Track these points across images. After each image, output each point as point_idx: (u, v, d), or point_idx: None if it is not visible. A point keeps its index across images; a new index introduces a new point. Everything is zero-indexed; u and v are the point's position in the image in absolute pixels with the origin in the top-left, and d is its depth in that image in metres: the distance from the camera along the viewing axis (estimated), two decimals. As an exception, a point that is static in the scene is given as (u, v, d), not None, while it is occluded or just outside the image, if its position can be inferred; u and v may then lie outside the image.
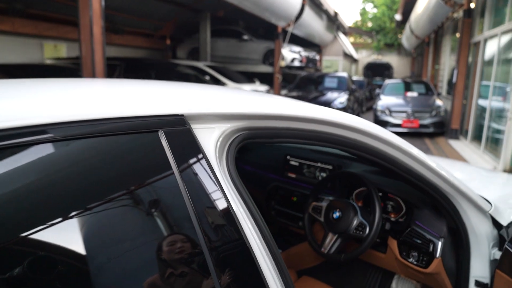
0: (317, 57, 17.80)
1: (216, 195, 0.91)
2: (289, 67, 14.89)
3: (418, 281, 2.17)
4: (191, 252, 0.84)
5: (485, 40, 8.37)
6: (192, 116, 0.97)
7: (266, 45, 13.72)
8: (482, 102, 8.50)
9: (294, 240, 2.45)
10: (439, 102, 10.37)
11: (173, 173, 0.86)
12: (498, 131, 7.48)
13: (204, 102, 1.10)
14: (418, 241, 1.73)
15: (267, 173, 2.62)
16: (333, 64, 22.69)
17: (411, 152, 1.44)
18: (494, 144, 7.55)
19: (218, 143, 0.99)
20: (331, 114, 1.30)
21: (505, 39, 7.27)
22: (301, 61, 15.12)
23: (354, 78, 18.05)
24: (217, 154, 0.96)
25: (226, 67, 11.99)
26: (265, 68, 14.09)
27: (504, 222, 1.68)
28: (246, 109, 1.12)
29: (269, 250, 0.94)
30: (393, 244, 1.85)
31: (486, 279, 1.67)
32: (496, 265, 1.52)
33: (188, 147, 0.93)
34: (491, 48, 8.08)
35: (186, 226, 0.86)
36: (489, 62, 8.13)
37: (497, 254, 1.67)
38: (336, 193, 2.17)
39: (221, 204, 0.90)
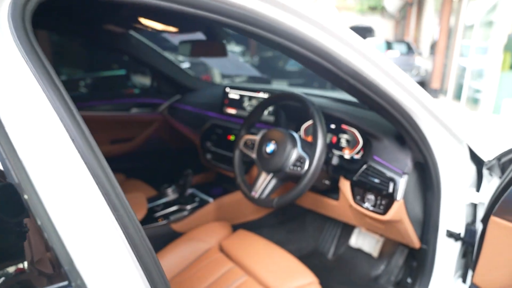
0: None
1: None
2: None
3: (381, 234, 1.77)
4: None
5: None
6: None
7: None
8: (462, 61, 8.17)
9: (233, 189, 2.02)
10: (419, 62, 10.01)
11: None
12: (478, 91, 7.20)
13: None
14: (376, 180, 1.31)
15: (205, 111, 2.15)
16: (314, 28, 21.90)
17: (378, 63, 0.99)
18: (473, 103, 7.27)
19: None
20: None
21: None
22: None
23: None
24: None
25: None
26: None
27: (486, 157, 1.27)
28: None
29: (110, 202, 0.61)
30: (345, 186, 1.42)
31: (459, 228, 1.28)
32: (487, 210, 1.11)
33: None
34: (473, 7, 7.71)
35: None
36: (471, 22, 7.78)
37: (476, 196, 1.27)
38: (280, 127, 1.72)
39: None
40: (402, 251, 1.79)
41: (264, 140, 1.39)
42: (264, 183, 1.37)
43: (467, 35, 8.13)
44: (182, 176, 1.78)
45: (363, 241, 1.92)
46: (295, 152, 1.29)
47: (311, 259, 1.98)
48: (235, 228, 1.74)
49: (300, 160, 1.27)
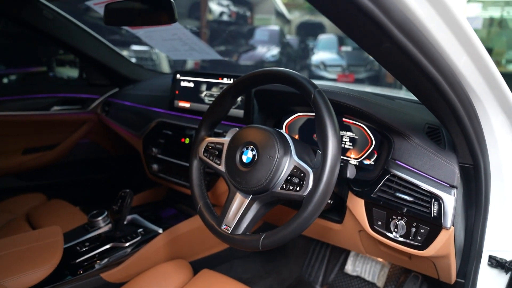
0: (248, 14, 16.85)
1: None
2: (218, 22, 13.75)
3: (395, 263, 1.36)
4: None
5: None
6: None
7: (191, -4, 12.37)
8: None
9: (191, 210, 1.52)
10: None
11: None
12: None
13: None
14: (407, 198, 0.88)
15: (150, 107, 1.63)
16: (265, 23, 21.81)
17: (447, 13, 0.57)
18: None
19: None
20: None
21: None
22: (230, 16, 14.06)
23: (288, 37, 17.43)
24: None
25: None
26: (191, 23, 12.80)
27: None
28: None
29: None
30: (356, 206, 0.97)
31: (507, 253, 0.93)
32: None
33: None
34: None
35: None
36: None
37: None
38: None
39: None
40: (415, 278, 1.38)
41: (238, 144, 0.91)
42: (241, 211, 0.89)
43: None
44: (117, 198, 1.25)
45: (363, 267, 1.50)
46: (289, 162, 0.82)
47: (296, 293, 1.54)
48: (195, 266, 1.24)
49: (298, 174, 0.80)
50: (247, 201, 0.88)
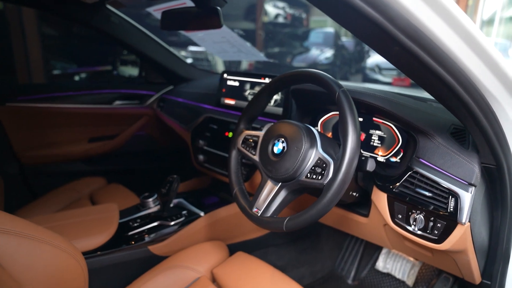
0: (304, 16, 16.80)
1: None
2: (273, 24, 13.87)
3: (420, 259, 1.39)
4: None
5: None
6: None
7: (247, -1, 12.62)
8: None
9: (232, 199, 1.65)
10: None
11: None
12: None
13: None
14: (427, 194, 0.93)
15: (200, 103, 1.78)
16: (321, 25, 21.62)
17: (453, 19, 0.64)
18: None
19: None
20: None
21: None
22: (285, 18, 14.12)
23: (343, 39, 17.14)
24: None
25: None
26: (246, 25, 13.04)
27: None
28: None
29: None
30: (380, 200, 1.04)
31: None
32: None
33: None
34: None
35: None
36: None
37: None
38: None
39: None
40: (446, 279, 1.40)
41: (270, 137, 1.02)
42: (270, 196, 0.99)
43: (484, 31, 7.73)
44: (165, 182, 1.40)
45: (394, 264, 1.54)
46: (314, 154, 0.91)
47: (327, 285, 1.60)
48: (232, 249, 1.36)
49: (321, 165, 0.89)
50: (276, 188, 0.98)
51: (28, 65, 4.11)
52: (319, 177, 0.88)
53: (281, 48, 10.63)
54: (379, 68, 9.16)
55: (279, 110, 1.40)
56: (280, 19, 13.79)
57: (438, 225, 0.92)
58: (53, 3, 1.61)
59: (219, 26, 1.20)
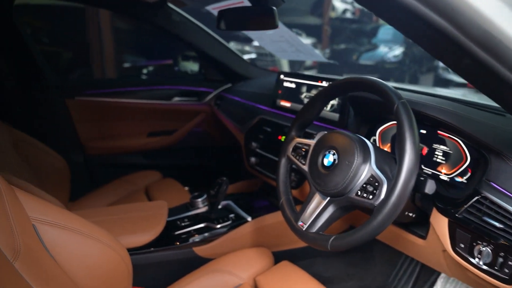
0: (374, 11, 16.15)
1: None
2: (340, 19, 13.50)
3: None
4: None
5: None
6: None
7: (315, -7, 12.39)
8: None
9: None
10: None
11: None
12: None
13: None
14: (496, 225, 0.82)
15: (256, 103, 1.76)
16: (393, 21, 20.67)
17: None
18: None
19: None
20: None
21: None
22: (353, 13, 13.68)
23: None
24: None
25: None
26: (313, 20, 12.83)
27: None
28: None
29: None
30: (440, 224, 0.94)
31: None
32: None
33: None
34: None
35: None
36: None
37: None
38: (349, 131, 1.27)
39: None
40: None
41: (321, 148, 0.95)
42: (317, 211, 0.93)
43: None
44: (215, 184, 1.40)
45: (454, 291, 1.41)
46: (367, 170, 0.84)
47: (377, 303, 1.51)
48: (277, 257, 1.32)
49: (373, 183, 0.82)
50: (324, 202, 0.92)
51: (102, 59, 4.37)
52: (370, 197, 0.81)
53: (347, 45, 10.33)
54: (454, 68, 8.54)
55: (335, 116, 1.33)
56: (348, 14, 13.38)
57: (510, 262, 0.80)
58: (118, 3, 1.67)
59: (274, 26, 1.15)
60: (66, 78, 4.05)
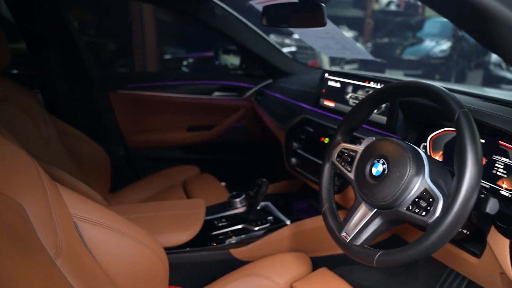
0: (420, 3, 15.53)
1: None
2: (384, 12, 13.09)
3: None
4: None
5: None
6: None
7: (359, -15, 12.06)
8: None
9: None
10: None
11: None
12: None
13: None
14: None
15: (298, 101, 1.70)
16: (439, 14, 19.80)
17: None
18: None
19: None
20: None
21: None
22: (398, 5, 13.24)
23: (464, 29, 15.52)
24: None
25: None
26: (355, 12, 12.52)
27: None
28: None
29: None
30: (499, 244, 0.86)
31: None
32: None
33: None
34: None
35: None
36: None
37: None
38: (395, 135, 1.20)
39: None
40: None
41: (370, 155, 0.90)
42: (363, 222, 0.88)
43: None
44: (253, 185, 1.37)
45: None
46: (420, 183, 0.77)
47: (419, 316, 1.44)
48: (315, 262, 1.28)
49: (427, 198, 0.75)
50: (370, 214, 0.87)
51: (144, 51, 4.45)
52: (423, 213, 0.74)
53: (390, 39, 9.97)
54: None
55: (383, 119, 1.26)
56: (392, 7, 12.94)
57: None
58: None
59: (322, 24, 1.09)
60: (109, 68, 4.16)
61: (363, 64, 6.91)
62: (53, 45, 1.75)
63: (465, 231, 0.91)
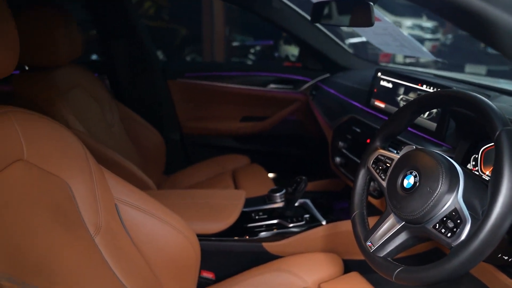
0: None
1: None
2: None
3: None
4: None
5: None
6: None
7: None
8: None
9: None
10: None
11: None
12: None
13: None
14: None
15: (350, 99, 1.66)
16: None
17: None
18: None
19: None
20: None
21: None
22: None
23: None
24: None
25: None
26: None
27: None
28: None
29: None
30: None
31: None
32: None
33: None
34: None
35: None
36: None
37: None
38: (444, 143, 1.13)
39: None
40: None
41: (403, 166, 0.86)
42: (389, 234, 0.85)
43: None
44: (292, 182, 1.37)
45: None
46: (451, 202, 0.73)
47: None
48: (347, 265, 1.27)
49: (455, 219, 0.71)
50: (398, 227, 0.84)
51: (213, 37, 4.57)
52: (449, 234, 0.70)
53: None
54: None
55: (433, 125, 1.19)
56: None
57: None
58: None
59: (368, 24, 1.05)
60: (179, 54, 4.35)
61: (443, 57, 6.45)
62: (120, 36, 1.89)
63: (505, 258, 0.84)
